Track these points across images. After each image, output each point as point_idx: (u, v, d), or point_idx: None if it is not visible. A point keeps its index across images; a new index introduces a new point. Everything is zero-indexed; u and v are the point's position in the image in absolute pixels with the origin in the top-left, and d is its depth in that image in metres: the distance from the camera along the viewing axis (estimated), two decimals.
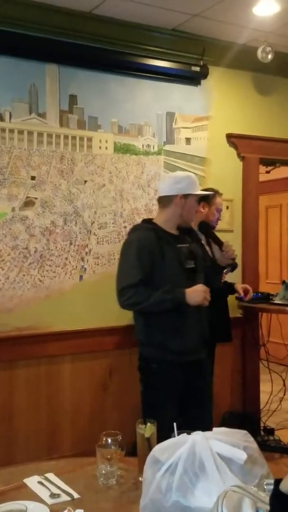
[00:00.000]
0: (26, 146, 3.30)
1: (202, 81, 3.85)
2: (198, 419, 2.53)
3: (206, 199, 3.32)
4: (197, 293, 2.48)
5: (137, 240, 2.55)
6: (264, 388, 4.17)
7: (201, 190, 3.33)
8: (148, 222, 2.70)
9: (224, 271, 3.07)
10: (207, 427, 1.44)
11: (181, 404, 2.59)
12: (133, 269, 2.48)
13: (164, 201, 2.64)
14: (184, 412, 2.56)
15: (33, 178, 3.32)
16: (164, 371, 2.54)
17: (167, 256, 2.51)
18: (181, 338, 2.51)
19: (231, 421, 3.69)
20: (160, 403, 2.54)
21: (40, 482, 1.62)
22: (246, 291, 3.64)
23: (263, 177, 4.44)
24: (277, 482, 1.09)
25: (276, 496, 1.07)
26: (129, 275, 2.48)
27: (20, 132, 3.28)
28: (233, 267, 3.18)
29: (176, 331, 2.51)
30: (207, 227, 2.96)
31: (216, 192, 3.41)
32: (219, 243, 2.85)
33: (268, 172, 4.79)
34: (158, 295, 2.45)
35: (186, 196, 2.57)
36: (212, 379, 2.87)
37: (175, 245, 2.57)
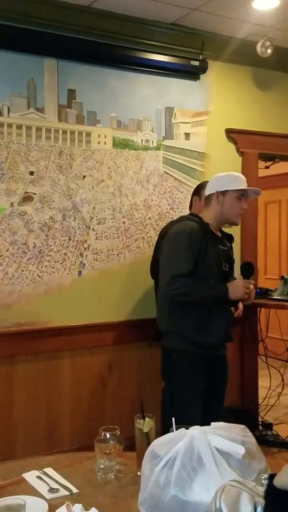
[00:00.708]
0: (25, 141, 3.29)
1: (201, 76, 3.84)
2: (215, 413, 2.56)
3: (197, 193, 3.24)
4: (238, 288, 2.54)
5: (188, 231, 2.55)
6: (263, 383, 4.18)
7: (198, 184, 3.33)
8: (193, 216, 2.69)
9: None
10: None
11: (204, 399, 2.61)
12: (184, 259, 2.49)
13: (207, 201, 2.67)
14: (204, 407, 2.58)
15: (31, 173, 3.32)
16: (188, 363, 2.57)
17: (209, 254, 2.54)
18: (207, 332, 2.55)
19: (229, 415, 3.70)
20: (185, 398, 2.55)
21: (38, 477, 1.62)
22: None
23: (262, 173, 4.43)
24: (272, 477, 1.09)
25: (270, 491, 1.07)
26: (180, 265, 2.48)
27: (19, 126, 3.27)
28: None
29: (202, 326, 2.54)
30: (250, 269, 2.69)
31: (207, 183, 3.33)
32: (247, 276, 2.66)
33: (267, 167, 4.79)
34: (206, 290, 2.49)
35: (224, 193, 2.57)
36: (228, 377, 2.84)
37: (216, 245, 2.61)
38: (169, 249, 2.60)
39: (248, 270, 2.69)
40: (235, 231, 4.01)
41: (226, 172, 2.70)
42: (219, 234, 2.69)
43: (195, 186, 3.83)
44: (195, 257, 2.50)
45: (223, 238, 2.72)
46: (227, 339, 2.69)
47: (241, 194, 2.60)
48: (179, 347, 2.58)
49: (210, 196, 2.63)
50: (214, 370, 2.64)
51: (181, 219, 2.72)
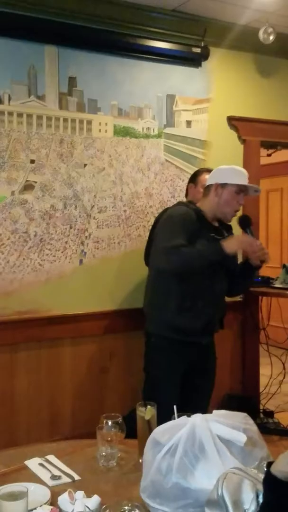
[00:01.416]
0: (26, 129, 3.27)
1: (203, 63, 3.80)
2: (194, 404, 2.49)
3: (193, 180, 3.23)
4: (233, 240, 2.51)
5: (182, 212, 2.58)
6: (264, 371, 4.20)
7: (195, 171, 3.30)
8: (192, 203, 2.70)
9: None
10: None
11: (182, 386, 2.61)
12: (177, 233, 2.49)
13: (206, 191, 2.67)
14: (182, 394, 2.58)
15: (32, 161, 3.30)
16: (165, 347, 2.58)
17: (201, 238, 2.53)
18: (187, 317, 2.54)
19: (230, 403, 3.72)
20: (160, 381, 2.57)
21: (41, 464, 1.64)
22: None
23: (264, 160, 4.40)
24: (270, 464, 1.10)
25: (268, 479, 1.08)
26: (174, 239, 2.48)
27: (19, 115, 3.25)
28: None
29: (183, 310, 2.53)
30: (246, 222, 2.69)
31: (203, 169, 3.29)
32: None
33: (269, 155, 4.76)
34: (198, 250, 2.46)
35: (223, 185, 2.56)
36: (215, 367, 2.85)
37: (209, 233, 2.59)
38: (164, 228, 2.60)
39: (245, 221, 2.67)
40: (235, 220, 4.01)
41: (229, 165, 2.69)
42: (216, 224, 2.67)
43: None
44: (188, 237, 2.49)
45: (221, 229, 2.69)
46: (211, 327, 2.65)
47: (240, 190, 2.58)
48: (157, 331, 2.61)
49: (209, 186, 2.63)
50: (195, 358, 2.62)
51: (178, 204, 2.75)
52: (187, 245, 2.47)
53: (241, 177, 2.59)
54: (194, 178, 3.27)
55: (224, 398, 3.83)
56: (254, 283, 3.89)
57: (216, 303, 2.63)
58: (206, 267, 2.50)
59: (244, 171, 2.68)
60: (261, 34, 3.63)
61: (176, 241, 2.47)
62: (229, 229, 2.76)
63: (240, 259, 2.84)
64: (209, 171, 3.26)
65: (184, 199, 3.51)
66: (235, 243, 2.50)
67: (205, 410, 2.53)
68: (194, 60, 3.76)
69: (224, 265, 2.60)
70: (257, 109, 4.03)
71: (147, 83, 3.64)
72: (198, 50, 3.73)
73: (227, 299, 3.83)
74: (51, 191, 3.35)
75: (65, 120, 3.39)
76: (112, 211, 3.54)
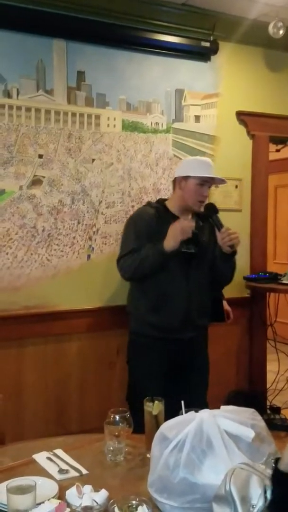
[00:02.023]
0: (34, 123, 3.27)
1: (212, 57, 3.78)
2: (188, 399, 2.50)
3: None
4: (172, 231, 2.47)
5: (136, 216, 2.66)
6: (271, 367, 4.19)
7: None
8: (158, 201, 2.73)
9: None
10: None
11: (167, 384, 2.56)
12: (127, 240, 2.59)
13: (173, 184, 2.70)
14: (175, 389, 2.53)
15: (40, 156, 3.30)
16: (143, 344, 2.59)
17: (163, 236, 2.51)
18: (160, 315, 2.53)
19: (237, 400, 3.71)
20: (141, 377, 2.59)
21: (48, 458, 1.64)
22: (228, 315, 3.34)
23: (272, 156, 4.38)
24: (277, 461, 1.10)
25: (276, 475, 1.08)
26: (124, 247, 2.61)
27: (28, 109, 3.25)
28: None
29: (155, 305, 2.54)
30: (211, 210, 2.64)
31: None
32: (218, 228, 2.58)
33: (278, 150, 4.74)
34: (143, 253, 2.51)
35: (186, 178, 2.57)
36: (206, 363, 2.77)
37: None
38: (122, 234, 2.70)
39: (209, 210, 2.62)
40: (244, 216, 4.01)
41: (193, 157, 2.70)
42: (187, 217, 2.63)
43: None
44: (143, 239, 2.53)
45: (197, 221, 2.64)
46: (192, 322, 2.59)
47: (203, 181, 2.56)
48: (135, 328, 2.64)
49: (175, 179, 2.65)
50: (179, 354, 2.59)
51: (146, 204, 2.78)
52: (137, 250, 2.52)
53: (203, 169, 2.57)
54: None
55: (231, 394, 3.83)
56: (262, 279, 3.89)
57: (192, 299, 2.58)
58: (157, 267, 2.50)
59: (208, 161, 2.65)
60: (270, 29, 3.60)
61: (125, 249, 2.57)
62: (211, 214, 2.63)
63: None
64: None
65: None
66: (170, 237, 2.47)
67: (201, 405, 2.51)
68: (203, 54, 3.74)
69: (199, 258, 2.58)
70: (266, 104, 4.00)
71: (155, 77, 3.63)
72: (207, 44, 3.71)
73: (235, 294, 3.86)
74: (59, 186, 3.35)
75: (74, 114, 3.39)
76: (120, 206, 3.53)
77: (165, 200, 2.71)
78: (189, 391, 2.41)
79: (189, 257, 2.55)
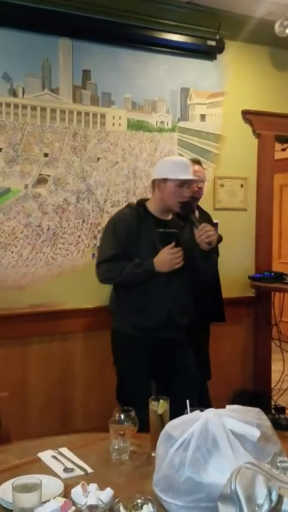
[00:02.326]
0: (39, 122, 3.27)
1: (218, 56, 3.78)
2: (177, 397, 2.48)
3: None
4: (163, 259, 2.49)
5: (115, 219, 2.64)
6: (276, 367, 4.18)
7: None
8: (139, 202, 2.71)
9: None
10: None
11: (164, 383, 2.60)
12: (107, 245, 2.57)
13: (152, 185, 2.68)
14: (166, 389, 2.52)
15: (46, 155, 3.30)
16: (127, 344, 2.59)
17: (142, 238, 2.53)
18: (143, 315, 2.54)
19: (241, 399, 3.71)
20: (128, 377, 2.60)
21: (54, 457, 1.64)
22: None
23: (278, 155, 4.37)
24: None
25: None
26: (104, 252, 2.59)
27: (33, 108, 3.25)
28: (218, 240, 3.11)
29: (138, 307, 2.54)
30: (187, 209, 2.63)
31: (191, 161, 3.13)
32: (196, 225, 2.58)
33: (284, 149, 4.73)
34: (130, 269, 2.50)
35: (165, 180, 2.55)
36: (192, 362, 2.72)
37: (154, 229, 2.57)
38: (101, 237, 2.71)
39: (187, 208, 2.61)
40: (249, 215, 4.00)
41: (170, 157, 2.68)
42: (167, 218, 2.64)
43: (210, 169, 3.81)
44: (122, 242, 2.53)
45: (174, 221, 2.65)
46: (173, 322, 2.58)
47: (182, 183, 2.55)
48: (118, 328, 2.63)
49: (154, 181, 2.63)
50: (161, 355, 2.59)
51: (125, 207, 2.77)
52: (117, 256, 2.51)
53: (181, 170, 2.56)
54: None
55: (235, 394, 3.83)
56: (267, 279, 3.88)
57: (175, 299, 2.58)
58: (137, 283, 2.51)
59: (186, 162, 2.64)
60: (276, 27, 3.59)
61: (105, 254, 2.56)
62: (188, 213, 2.64)
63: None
64: (197, 162, 3.22)
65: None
66: (167, 261, 2.49)
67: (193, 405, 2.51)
68: (208, 53, 3.74)
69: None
70: (272, 103, 3.99)
71: (161, 76, 3.63)
72: (213, 43, 3.70)
73: (240, 294, 3.85)
74: (64, 185, 3.36)
75: (79, 113, 3.39)
76: (125, 205, 3.52)
77: (146, 200, 2.70)
78: (177, 391, 2.39)
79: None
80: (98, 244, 2.73)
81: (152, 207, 2.62)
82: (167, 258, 2.50)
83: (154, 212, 2.61)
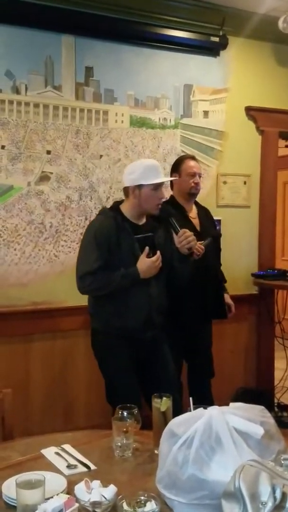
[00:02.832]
0: (42, 119, 3.27)
1: (221, 52, 3.77)
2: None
3: (175, 169, 3.12)
4: (147, 267, 2.50)
5: (96, 227, 2.58)
6: (279, 365, 4.17)
7: (177, 160, 3.19)
8: (114, 207, 2.68)
9: (204, 242, 2.95)
10: None
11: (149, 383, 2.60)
12: (91, 256, 2.52)
13: (124, 192, 2.65)
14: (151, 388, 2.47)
15: (48, 152, 3.30)
16: (110, 344, 2.60)
17: (122, 246, 2.52)
18: (122, 316, 2.55)
19: (244, 397, 3.70)
20: (111, 377, 2.63)
21: (57, 453, 1.64)
22: (229, 308, 3.36)
23: (282, 152, 4.36)
24: None
25: None
26: (88, 262, 2.52)
27: (36, 105, 3.25)
28: (214, 236, 3.11)
29: (119, 310, 2.55)
30: (167, 213, 2.63)
31: (184, 157, 3.19)
32: (176, 231, 2.57)
33: (287, 146, 4.71)
34: (117, 281, 2.50)
35: (139, 186, 2.54)
36: (169, 358, 2.74)
37: (131, 236, 2.56)
38: (80, 247, 2.63)
39: (166, 212, 2.61)
40: (252, 212, 3.99)
41: (139, 162, 2.64)
42: (141, 222, 2.63)
43: (213, 166, 3.81)
44: (104, 252, 2.51)
45: (152, 224, 2.64)
46: (151, 322, 2.60)
47: (157, 186, 2.55)
48: (99, 328, 2.64)
49: (127, 188, 2.60)
50: (143, 353, 2.63)
51: (99, 212, 2.73)
52: (98, 267, 2.48)
53: (154, 174, 2.55)
54: (177, 168, 3.11)
55: (238, 392, 3.82)
56: (270, 276, 3.87)
57: (153, 300, 2.60)
58: (120, 289, 2.52)
59: (156, 164, 2.62)
60: (280, 23, 3.57)
61: (87, 265, 2.51)
62: (168, 217, 2.63)
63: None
64: (192, 157, 3.17)
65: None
66: (150, 269, 2.51)
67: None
68: (212, 49, 3.73)
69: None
70: (276, 100, 3.98)
71: (164, 73, 3.61)
72: (216, 39, 3.69)
73: (242, 291, 3.85)
74: (66, 182, 3.35)
75: (82, 110, 3.38)
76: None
77: (120, 203, 2.68)
78: (156, 389, 2.41)
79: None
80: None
81: (128, 212, 2.61)
82: (151, 266, 2.50)
83: (130, 218, 2.60)
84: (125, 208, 2.62)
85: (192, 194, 3.10)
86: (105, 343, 2.64)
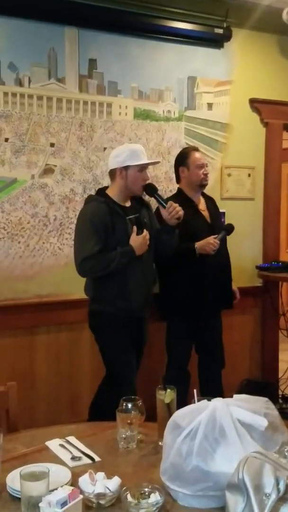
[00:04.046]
0: (45, 112, 3.26)
1: (225, 44, 3.74)
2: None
3: (182, 163, 3.20)
4: (140, 243, 2.69)
5: (90, 213, 2.71)
6: (283, 357, 4.17)
7: (181, 153, 3.29)
8: (101, 193, 2.83)
9: (219, 236, 3.07)
10: None
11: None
12: (90, 241, 2.65)
13: (110, 175, 2.83)
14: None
15: (52, 145, 3.29)
16: (113, 325, 2.76)
17: (116, 229, 2.68)
18: (126, 297, 2.72)
19: (249, 389, 3.71)
20: (112, 357, 2.81)
21: (61, 445, 1.65)
22: (234, 296, 3.43)
23: (286, 144, 4.34)
24: None
25: None
26: (87, 247, 2.65)
27: (39, 97, 3.24)
28: (228, 230, 3.16)
29: (121, 291, 2.71)
30: (151, 189, 2.81)
31: (189, 149, 3.28)
32: (163, 204, 2.77)
33: None
34: (117, 259, 2.65)
35: (126, 168, 2.72)
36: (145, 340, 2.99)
37: (124, 217, 2.73)
38: (76, 234, 2.77)
39: (150, 189, 2.78)
40: (256, 205, 3.98)
41: (124, 146, 2.87)
42: (128, 204, 2.80)
43: (217, 158, 3.79)
44: (102, 236, 2.65)
45: (134, 205, 2.81)
46: (148, 301, 2.82)
47: (142, 168, 2.74)
48: (102, 309, 2.77)
49: (113, 171, 2.78)
50: (136, 331, 2.83)
51: (88, 200, 2.84)
52: (98, 250, 2.64)
53: (139, 155, 2.74)
54: (184, 160, 3.19)
55: (242, 384, 3.83)
56: (275, 269, 3.87)
57: (147, 279, 2.80)
58: (120, 268, 2.67)
59: (141, 148, 2.80)
60: (284, 15, 3.56)
61: (86, 250, 2.64)
62: (153, 193, 2.82)
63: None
64: (196, 149, 3.28)
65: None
66: (141, 245, 2.69)
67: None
68: (216, 41, 3.70)
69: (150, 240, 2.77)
70: (280, 91, 3.95)
71: (168, 65, 3.59)
72: (220, 31, 3.66)
73: (247, 284, 3.84)
74: (70, 175, 3.35)
75: (85, 103, 3.37)
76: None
77: (105, 189, 2.84)
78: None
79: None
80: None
81: (115, 196, 2.77)
82: (143, 242, 2.69)
83: (118, 201, 2.77)
84: (112, 192, 2.79)
85: (202, 185, 3.21)
86: (110, 324, 2.76)
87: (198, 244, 3.03)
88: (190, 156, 3.17)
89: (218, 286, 3.19)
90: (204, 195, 3.28)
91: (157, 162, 3.01)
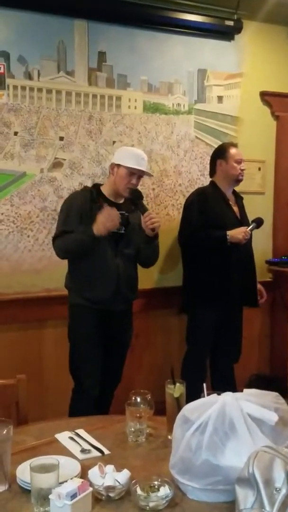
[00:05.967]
0: (55, 105, 3.25)
1: (236, 36, 3.71)
2: (110, 372, 2.85)
3: (221, 156, 3.21)
4: (99, 221, 2.60)
5: (70, 198, 2.81)
6: None
7: (221, 146, 3.31)
8: (93, 185, 2.88)
9: (249, 228, 3.11)
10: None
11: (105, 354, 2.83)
12: (61, 222, 2.73)
13: (110, 169, 2.82)
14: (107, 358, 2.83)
15: (61, 138, 3.29)
16: (80, 314, 2.77)
17: (93, 217, 2.64)
18: (93, 287, 2.72)
19: (258, 383, 3.70)
20: (75, 348, 2.81)
21: (71, 438, 1.65)
22: (261, 295, 3.46)
23: None
24: None
25: None
26: (58, 228, 2.75)
27: (49, 91, 3.23)
28: (258, 223, 3.16)
29: (89, 281, 2.72)
30: (137, 195, 2.75)
31: (228, 144, 3.31)
32: (142, 212, 2.70)
33: None
34: (79, 237, 2.65)
35: (118, 165, 2.72)
36: (129, 339, 2.96)
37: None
38: (58, 215, 2.83)
39: (134, 195, 2.73)
40: (267, 198, 3.95)
41: (131, 148, 2.92)
42: (120, 201, 2.79)
43: None
44: (74, 219, 2.68)
45: (126, 205, 2.78)
46: (120, 295, 2.74)
47: (132, 172, 2.70)
48: (73, 301, 2.80)
49: (111, 165, 2.79)
50: (112, 324, 2.79)
51: (82, 189, 2.92)
52: (68, 232, 2.66)
53: (134, 160, 2.70)
54: (223, 154, 3.21)
55: (251, 378, 3.82)
56: (285, 263, 3.85)
57: (121, 273, 2.74)
58: (88, 249, 2.65)
59: (142, 154, 2.76)
60: None
61: (58, 230, 2.72)
62: (136, 199, 2.76)
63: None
64: (235, 145, 3.32)
65: None
66: (99, 224, 2.61)
67: (120, 374, 2.93)
68: (226, 33, 3.67)
69: (128, 237, 2.73)
70: None
71: (178, 57, 3.57)
72: (230, 23, 3.63)
73: (258, 278, 3.81)
74: (79, 169, 3.34)
75: (94, 96, 3.36)
76: (140, 189, 3.49)
77: (101, 185, 2.86)
78: (112, 362, 2.85)
79: (118, 237, 2.72)
80: None
81: (106, 190, 2.78)
82: (100, 219, 2.60)
83: (108, 195, 2.77)
84: (105, 186, 2.82)
85: (238, 180, 3.23)
86: (77, 314, 2.79)
87: (230, 232, 3.04)
88: (230, 150, 3.20)
89: (243, 281, 3.22)
90: (234, 192, 3.30)
91: (149, 174, 2.95)
